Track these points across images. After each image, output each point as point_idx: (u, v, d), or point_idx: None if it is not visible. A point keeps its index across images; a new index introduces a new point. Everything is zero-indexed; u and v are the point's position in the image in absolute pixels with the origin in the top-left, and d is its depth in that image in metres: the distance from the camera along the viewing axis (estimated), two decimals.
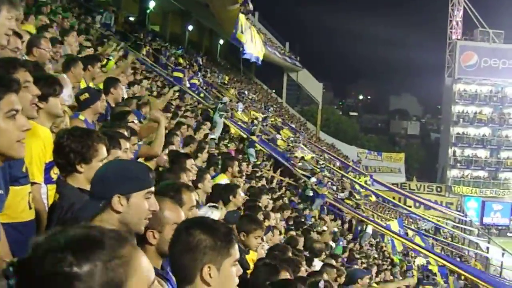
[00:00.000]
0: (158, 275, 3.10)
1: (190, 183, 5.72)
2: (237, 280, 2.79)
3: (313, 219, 19.17)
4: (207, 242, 2.66)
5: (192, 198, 4.20)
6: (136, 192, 3.06)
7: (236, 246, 2.78)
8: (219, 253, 2.67)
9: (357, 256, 19.04)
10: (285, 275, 4.94)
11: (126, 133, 5.59)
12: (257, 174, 17.14)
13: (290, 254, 7.34)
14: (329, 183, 28.26)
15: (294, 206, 18.46)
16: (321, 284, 5.63)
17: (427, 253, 27.48)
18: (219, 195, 7.69)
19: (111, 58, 13.22)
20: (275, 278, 4.75)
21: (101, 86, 8.33)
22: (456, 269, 27.07)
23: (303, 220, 16.10)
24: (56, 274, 1.40)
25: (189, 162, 7.06)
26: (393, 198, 46.03)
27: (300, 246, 10.23)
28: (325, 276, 6.49)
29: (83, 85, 7.79)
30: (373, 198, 37.61)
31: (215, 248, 2.66)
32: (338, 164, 44.71)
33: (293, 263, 6.41)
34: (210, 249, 2.65)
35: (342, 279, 8.95)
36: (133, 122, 7.02)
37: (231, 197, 7.60)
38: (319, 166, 31.54)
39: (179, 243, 2.72)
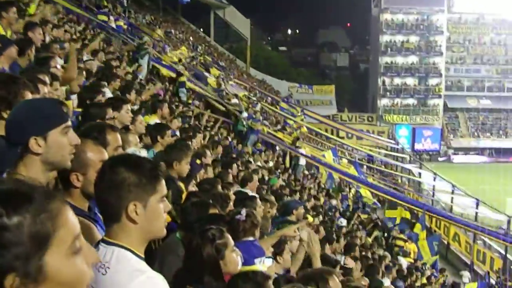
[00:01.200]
0: (86, 216, 3.11)
1: (116, 124, 5.60)
2: (165, 216, 2.71)
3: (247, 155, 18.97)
4: (131, 180, 2.57)
5: (118, 138, 4.09)
6: (52, 130, 2.97)
7: (163, 182, 2.68)
8: (144, 190, 2.59)
9: (294, 188, 18.93)
10: (214, 210, 4.90)
11: (47, 78, 5.35)
12: (189, 114, 16.81)
13: (219, 187, 7.08)
14: (262, 118, 28.10)
15: (231, 144, 18.21)
16: (243, 212, 5.39)
17: (360, 184, 27.86)
18: (149, 134, 7.75)
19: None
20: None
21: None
22: (388, 197, 27.62)
23: (235, 155, 15.83)
24: None
25: (125, 107, 6.85)
26: (326, 130, 46.33)
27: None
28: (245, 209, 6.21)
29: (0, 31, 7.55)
30: (305, 129, 37.68)
31: (140, 185, 2.58)
32: (269, 99, 44.55)
33: (222, 197, 6.32)
34: (135, 187, 2.57)
35: (273, 211, 8.75)
36: (55, 67, 6.84)
37: (158, 138, 7.56)
38: (251, 102, 31.28)
39: (104, 181, 2.63)
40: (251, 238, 5.39)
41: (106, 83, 9.20)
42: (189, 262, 3.98)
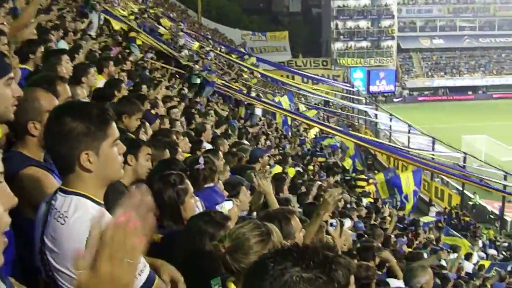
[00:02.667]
0: (42, 166, 3.14)
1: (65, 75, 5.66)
2: (120, 158, 2.70)
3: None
4: (79, 129, 2.51)
5: (67, 89, 4.10)
6: None
7: (113, 125, 2.63)
8: (94, 137, 2.54)
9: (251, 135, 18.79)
10: (145, 149, 4.80)
11: None
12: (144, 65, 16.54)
13: (173, 137, 7.09)
14: (216, 68, 27.79)
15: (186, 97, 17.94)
16: (201, 160, 5.47)
17: (320, 126, 27.87)
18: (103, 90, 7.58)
19: None
20: (135, 151, 4.68)
21: None
22: (347, 138, 27.69)
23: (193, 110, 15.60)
24: None
25: (64, 58, 6.68)
26: (281, 76, 46.21)
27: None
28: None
29: None
30: (258, 75, 37.51)
31: (89, 134, 2.53)
32: (223, 49, 44.06)
33: (172, 145, 6.34)
34: (84, 136, 2.52)
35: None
36: (3, 24, 6.79)
37: (83, 79, 7.22)
38: (204, 52, 30.85)
39: (51, 133, 2.58)
40: (211, 185, 5.46)
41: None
42: None
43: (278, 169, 12.14)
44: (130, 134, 6.51)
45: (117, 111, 6.30)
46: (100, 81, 9.15)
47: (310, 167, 21.34)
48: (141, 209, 1.75)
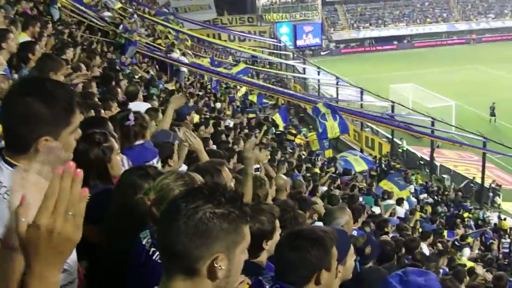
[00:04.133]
0: None
1: None
2: (74, 144, 2.60)
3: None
4: (44, 115, 2.39)
5: None
6: None
7: (78, 112, 2.55)
8: (57, 125, 2.45)
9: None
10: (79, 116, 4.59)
11: None
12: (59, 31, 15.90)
13: (95, 99, 7.33)
14: (139, 28, 27.24)
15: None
16: (131, 116, 5.46)
17: (247, 85, 27.76)
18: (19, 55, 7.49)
19: None
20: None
21: None
22: (276, 94, 27.71)
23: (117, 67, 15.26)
24: None
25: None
26: (207, 35, 45.80)
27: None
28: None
29: None
30: (189, 43, 37.04)
31: (53, 121, 2.43)
32: (146, 10, 43.23)
33: (94, 106, 6.47)
34: (48, 122, 2.41)
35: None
36: None
37: (30, 55, 7.36)
38: (127, 14, 30.15)
39: (13, 112, 2.42)
40: (141, 141, 5.50)
41: None
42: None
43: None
44: None
45: (43, 70, 6.42)
46: (23, 38, 9.02)
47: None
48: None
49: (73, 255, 2.50)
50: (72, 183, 1.64)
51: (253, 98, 29.44)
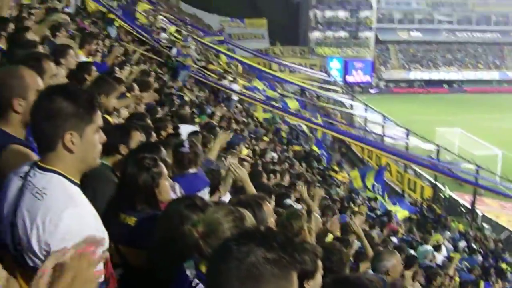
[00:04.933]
0: (24, 145, 3.22)
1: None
2: (100, 147, 2.79)
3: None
4: (68, 109, 2.59)
5: (52, 67, 4.20)
6: None
7: (99, 113, 2.73)
8: (81, 119, 2.63)
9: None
10: (136, 135, 4.99)
11: None
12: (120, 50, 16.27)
13: (148, 121, 7.11)
14: (193, 53, 27.62)
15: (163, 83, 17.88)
16: (185, 143, 5.54)
17: (295, 118, 27.80)
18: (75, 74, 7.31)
19: None
20: (126, 139, 4.90)
21: None
22: (324, 130, 27.73)
23: (171, 92, 15.51)
24: None
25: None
26: (258, 63, 46.06)
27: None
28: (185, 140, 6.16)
29: None
30: (240, 67, 37.34)
31: (77, 115, 2.61)
32: (201, 34, 43.78)
33: (146, 128, 6.33)
34: (72, 116, 2.60)
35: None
36: None
37: (86, 76, 7.32)
38: (182, 37, 30.64)
39: (40, 110, 2.62)
40: (194, 170, 5.57)
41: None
42: (123, 190, 4.01)
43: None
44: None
45: (95, 91, 6.43)
46: (80, 56, 9.15)
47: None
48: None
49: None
50: (89, 264, 1.84)
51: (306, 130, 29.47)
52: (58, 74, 5.79)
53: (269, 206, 4.66)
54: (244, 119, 23.88)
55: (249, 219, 3.26)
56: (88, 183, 4.55)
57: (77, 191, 2.66)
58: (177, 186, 4.70)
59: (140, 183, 3.95)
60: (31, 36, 6.80)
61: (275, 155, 19.16)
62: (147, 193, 3.97)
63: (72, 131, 2.61)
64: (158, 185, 4.04)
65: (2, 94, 3.27)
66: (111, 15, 20.39)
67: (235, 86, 25.56)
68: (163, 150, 4.75)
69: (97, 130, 2.73)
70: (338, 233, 8.44)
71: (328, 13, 74.42)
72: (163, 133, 7.34)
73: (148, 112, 8.55)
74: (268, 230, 2.02)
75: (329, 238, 7.77)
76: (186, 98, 17.44)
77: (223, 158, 7.09)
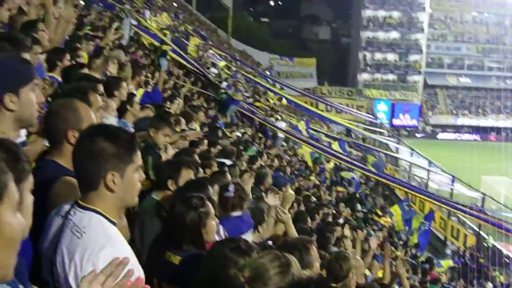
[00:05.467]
0: (75, 176, 3.16)
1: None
2: (139, 185, 2.84)
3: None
4: (110, 150, 2.67)
5: (99, 99, 4.29)
6: (23, 87, 3.04)
7: (139, 153, 2.81)
8: (122, 160, 2.70)
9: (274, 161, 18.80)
10: (186, 172, 5.08)
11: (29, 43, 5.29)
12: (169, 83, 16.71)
13: (196, 157, 7.10)
14: (242, 88, 27.89)
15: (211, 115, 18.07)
16: (231, 188, 5.48)
17: (338, 160, 27.74)
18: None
19: None
20: (176, 176, 5.02)
21: None
22: (368, 174, 27.58)
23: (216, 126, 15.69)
24: None
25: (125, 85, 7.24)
26: (305, 102, 46.24)
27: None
28: (229, 177, 6.21)
29: None
30: (284, 102, 37.52)
31: (118, 156, 2.69)
32: (250, 70, 44.23)
33: (195, 165, 6.22)
34: (113, 157, 2.68)
35: (251, 180, 8.67)
36: (43, 30, 6.62)
37: (128, 107, 7.48)
38: (231, 72, 31.02)
39: (82, 150, 2.72)
40: (239, 213, 5.53)
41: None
42: (170, 228, 4.04)
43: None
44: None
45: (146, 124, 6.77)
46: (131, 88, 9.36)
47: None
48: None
49: None
50: None
51: (346, 175, 29.37)
52: (107, 106, 5.98)
53: (315, 250, 4.69)
54: (289, 158, 23.98)
55: (295, 265, 3.25)
56: (137, 217, 4.72)
57: (115, 231, 2.72)
58: (221, 228, 4.80)
59: (188, 223, 3.97)
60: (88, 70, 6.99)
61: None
62: (194, 233, 3.99)
63: (114, 171, 2.68)
64: (205, 225, 4.07)
65: (57, 126, 3.36)
66: (165, 47, 20.76)
67: (281, 124, 25.70)
68: (210, 188, 4.80)
69: (137, 170, 2.80)
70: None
71: (378, 55, 74.46)
72: (208, 171, 7.35)
73: (193, 147, 8.69)
74: (321, 279, 2.04)
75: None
76: (232, 134, 17.63)
77: (264, 198, 7.09)
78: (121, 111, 7.36)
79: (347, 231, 10.84)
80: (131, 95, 8.03)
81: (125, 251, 2.65)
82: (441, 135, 71.07)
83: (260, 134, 23.81)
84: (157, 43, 21.41)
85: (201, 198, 4.15)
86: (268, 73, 49.30)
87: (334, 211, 17.92)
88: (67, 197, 2.95)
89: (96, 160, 2.66)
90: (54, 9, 7.00)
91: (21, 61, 3.29)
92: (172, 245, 3.92)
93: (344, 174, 29.76)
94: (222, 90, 22.15)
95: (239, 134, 18.89)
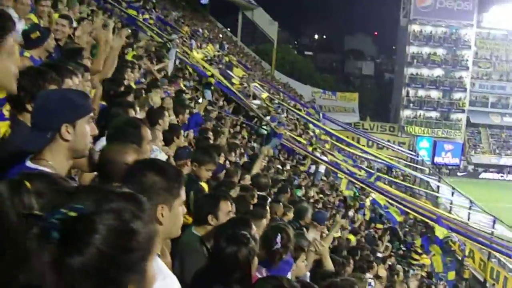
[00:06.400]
0: None
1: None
2: (182, 219, 2.89)
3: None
4: (161, 184, 2.74)
5: (149, 132, 4.26)
6: (80, 119, 3.10)
7: (184, 188, 2.87)
8: (171, 194, 2.76)
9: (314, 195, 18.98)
10: (225, 205, 5.02)
11: (77, 71, 5.33)
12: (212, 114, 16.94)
13: (237, 189, 7.28)
14: (284, 121, 28.10)
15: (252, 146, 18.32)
16: (278, 239, 5.29)
17: (382, 196, 27.69)
18: (163, 135, 7.52)
19: None
20: (215, 210, 4.95)
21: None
22: (408, 210, 27.47)
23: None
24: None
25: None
26: (347, 137, 46.23)
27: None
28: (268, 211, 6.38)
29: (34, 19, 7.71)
30: (327, 137, 37.67)
31: (168, 189, 2.75)
32: (292, 103, 44.51)
33: (242, 199, 6.48)
34: (164, 190, 2.74)
35: (290, 215, 8.87)
36: (88, 58, 6.99)
37: (174, 138, 7.59)
38: (273, 105, 31.31)
39: (133, 183, 2.70)
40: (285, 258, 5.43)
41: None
42: (217, 265, 4.00)
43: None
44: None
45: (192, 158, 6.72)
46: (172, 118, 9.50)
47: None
48: None
49: None
50: None
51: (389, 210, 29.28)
52: (155, 137, 6.20)
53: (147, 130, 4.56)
54: (329, 193, 24.07)
55: None
56: (177, 253, 4.82)
57: (161, 262, 2.74)
58: (263, 269, 4.79)
59: (240, 261, 3.92)
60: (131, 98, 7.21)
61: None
62: (244, 270, 3.95)
63: (163, 204, 2.73)
64: (252, 262, 4.04)
65: (114, 172, 3.30)
66: (210, 79, 21.11)
67: (323, 158, 25.80)
68: (253, 226, 4.65)
69: (182, 204, 2.86)
70: None
71: (421, 92, 74.13)
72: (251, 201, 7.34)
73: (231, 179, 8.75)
74: None
75: None
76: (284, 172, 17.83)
77: (305, 233, 7.25)
78: (167, 141, 7.48)
79: (382, 271, 10.89)
80: (178, 127, 8.19)
81: (174, 282, 2.75)
82: (483, 175, 70.16)
83: (302, 168, 23.97)
84: (201, 74, 21.77)
85: (247, 235, 4.09)
86: (310, 107, 49.48)
87: (372, 248, 17.94)
88: None
89: (147, 194, 2.41)
90: (105, 39, 7.19)
91: (80, 94, 3.36)
92: (219, 282, 3.87)
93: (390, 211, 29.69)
94: (266, 123, 22.37)
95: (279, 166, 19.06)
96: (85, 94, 3.46)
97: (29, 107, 3.71)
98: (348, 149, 41.78)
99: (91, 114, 3.23)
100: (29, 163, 3.03)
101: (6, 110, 4.06)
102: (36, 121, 3.14)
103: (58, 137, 3.08)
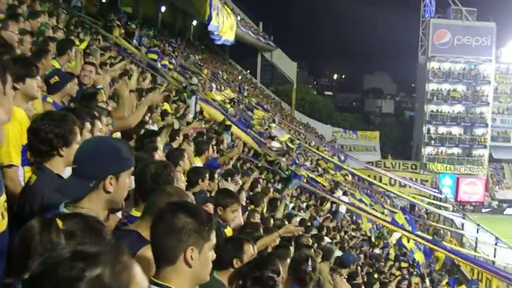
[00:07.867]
0: None
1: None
2: (211, 264, 2.89)
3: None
4: (192, 226, 2.73)
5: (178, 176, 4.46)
6: (124, 172, 3.15)
7: (214, 232, 2.86)
8: (201, 236, 2.76)
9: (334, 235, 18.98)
10: (248, 248, 4.97)
11: (97, 114, 5.56)
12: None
13: (261, 231, 7.26)
14: (305, 163, 28.20)
15: (274, 187, 18.38)
16: (309, 262, 5.56)
17: (405, 233, 27.58)
18: (187, 177, 7.56)
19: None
20: (240, 254, 4.85)
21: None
22: (434, 247, 27.28)
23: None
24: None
25: (157, 139, 7.16)
26: (369, 176, 46.19)
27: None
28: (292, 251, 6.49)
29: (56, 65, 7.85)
30: (349, 178, 37.69)
31: (199, 232, 2.75)
32: (313, 143, 44.68)
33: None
34: (195, 232, 2.74)
35: (318, 259, 8.94)
36: (105, 102, 7.13)
37: (199, 181, 7.51)
38: (294, 146, 31.43)
39: (165, 225, 2.76)
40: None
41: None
42: None
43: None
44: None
45: (214, 203, 6.61)
46: (196, 163, 9.47)
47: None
48: None
49: None
50: None
51: (410, 246, 29.12)
52: (178, 179, 6.34)
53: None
54: (352, 233, 24.06)
55: None
56: None
57: None
58: None
59: None
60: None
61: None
62: None
63: (193, 246, 2.72)
64: None
65: (152, 209, 3.39)
66: (229, 122, 21.24)
67: (344, 199, 25.77)
68: (278, 263, 4.77)
69: (212, 248, 2.83)
70: None
71: (442, 129, 73.92)
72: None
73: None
74: None
75: None
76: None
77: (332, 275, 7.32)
78: (191, 184, 7.47)
79: None
80: (203, 170, 8.13)
81: None
82: (508, 210, 69.42)
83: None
84: (220, 116, 21.91)
85: (274, 277, 4.14)
86: (331, 147, 49.61)
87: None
88: (151, 269, 2.96)
89: (178, 235, 2.70)
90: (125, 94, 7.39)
91: (127, 146, 3.40)
92: None
93: (407, 245, 29.53)
94: (286, 166, 22.40)
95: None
96: (130, 146, 3.57)
97: (62, 152, 3.80)
98: (372, 188, 41.72)
99: (133, 168, 3.27)
100: (63, 210, 3.02)
101: (29, 155, 4.16)
102: (80, 169, 3.15)
103: (100, 187, 3.10)
